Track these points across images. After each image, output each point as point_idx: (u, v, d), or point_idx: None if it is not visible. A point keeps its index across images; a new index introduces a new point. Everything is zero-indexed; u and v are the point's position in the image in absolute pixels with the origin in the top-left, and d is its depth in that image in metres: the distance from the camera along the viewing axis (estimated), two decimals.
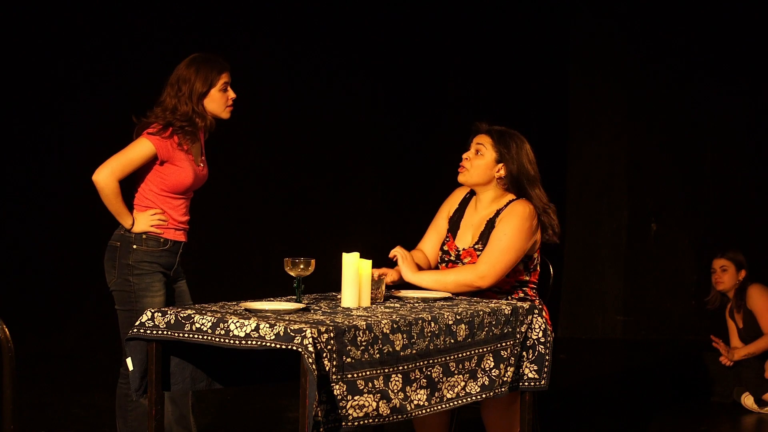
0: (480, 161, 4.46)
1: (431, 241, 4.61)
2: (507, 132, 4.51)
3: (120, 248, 4.47)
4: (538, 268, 4.55)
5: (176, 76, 4.50)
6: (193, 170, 4.55)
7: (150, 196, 4.50)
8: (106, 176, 4.41)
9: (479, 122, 4.58)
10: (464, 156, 4.49)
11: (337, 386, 3.42)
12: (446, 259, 4.51)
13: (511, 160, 4.45)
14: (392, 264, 4.41)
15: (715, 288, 6.73)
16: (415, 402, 3.69)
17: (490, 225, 4.44)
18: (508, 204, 4.47)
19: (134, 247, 4.45)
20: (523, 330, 4.09)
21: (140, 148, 4.43)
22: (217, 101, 4.52)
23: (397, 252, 4.35)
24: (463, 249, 4.47)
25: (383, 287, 4.12)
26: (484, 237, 4.42)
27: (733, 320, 6.71)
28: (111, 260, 4.51)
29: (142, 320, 3.70)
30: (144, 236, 4.46)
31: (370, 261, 3.97)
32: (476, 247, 4.43)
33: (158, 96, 4.50)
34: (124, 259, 4.44)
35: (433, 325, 3.77)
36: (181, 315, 3.63)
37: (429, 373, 3.74)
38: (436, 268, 4.56)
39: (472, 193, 4.59)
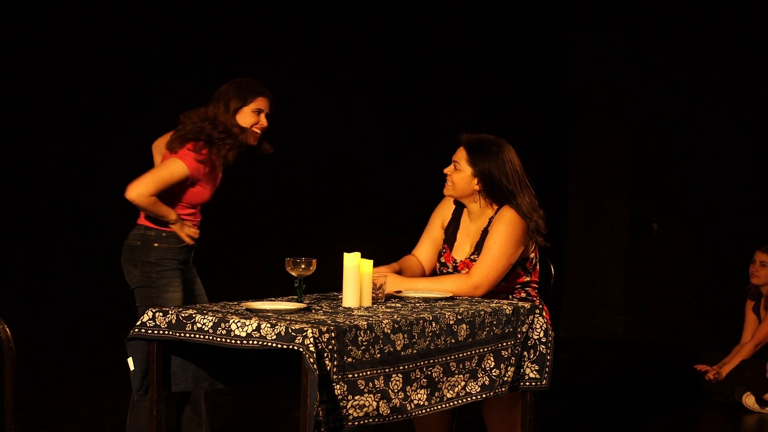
0: (458, 176, 4.46)
1: (426, 249, 4.59)
2: (483, 143, 4.46)
3: (141, 247, 4.57)
4: (538, 267, 4.55)
5: (218, 92, 4.67)
6: (213, 188, 4.70)
7: (168, 201, 4.59)
8: (140, 195, 4.50)
9: (461, 133, 4.54)
10: (445, 171, 4.50)
11: (338, 386, 3.42)
12: (444, 271, 4.52)
13: (482, 176, 4.43)
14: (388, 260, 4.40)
15: (750, 280, 6.74)
16: (415, 402, 3.69)
17: (485, 234, 4.44)
18: (497, 211, 4.46)
19: (155, 245, 4.56)
20: (524, 330, 4.09)
21: (176, 171, 4.54)
22: (247, 119, 4.63)
23: (379, 277, 4.23)
24: (461, 261, 4.48)
25: (384, 287, 4.11)
26: (480, 247, 4.43)
27: (758, 316, 6.73)
28: (131, 259, 4.60)
29: (143, 320, 3.70)
30: (164, 234, 4.58)
31: (372, 261, 3.98)
32: (473, 258, 4.44)
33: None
34: (146, 258, 4.55)
35: (434, 324, 3.78)
36: (183, 315, 3.63)
37: (429, 372, 3.75)
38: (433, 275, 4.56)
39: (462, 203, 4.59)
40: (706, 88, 9.02)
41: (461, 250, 4.51)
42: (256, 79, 4.70)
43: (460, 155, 4.47)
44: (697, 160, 9.14)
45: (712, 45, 8.95)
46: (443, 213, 4.63)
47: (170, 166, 4.55)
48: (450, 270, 4.49)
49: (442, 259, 4.54)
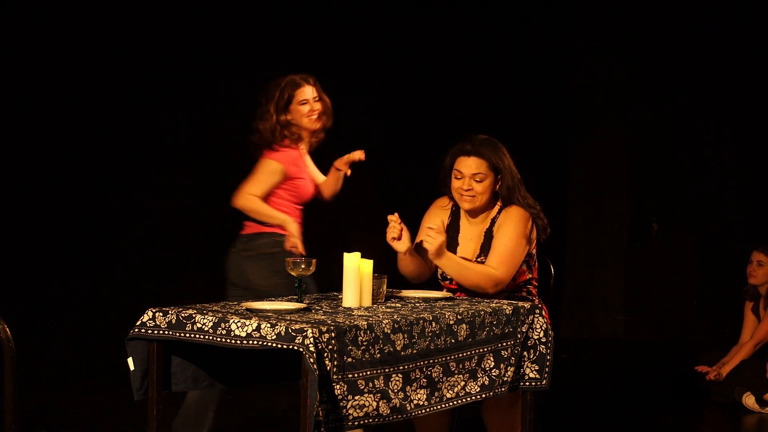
0: (483, 186, 4.39)
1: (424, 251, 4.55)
2: (490, 145, 4.43)
3: (280, 254, 4.74)
4: (536, 263, 4.56)
5: (265, 96, 4.99)
6: (312, 182, 5.03)
7: (283, 206, 4.87)
8: (245, 202, 4.82)
9: (461, 144, 4.46)
10: (464, 186, 4.39)
11: (338, 386, 3.42)
12: (448, 276, 4.47)
13: (506, 174, 4.42)
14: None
15: (748, 280, 6.73)
16: (415, 402, 3.69)
17: (489, 235, 4.43)
18: (500, 211, 4.45)
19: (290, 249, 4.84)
20: (524, 330, 4.09)
21: (271, 168, 4.85)
22: (299, 112, 4.93)
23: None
24: None
25: (384, 287, 4.12)
26: (485, 249, 4.41)
27: (757, 316, 6.72)
28: (270, 266, 4.81)
29: (143, 320, 3.70)
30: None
31: (371, 261, 3.98)
32: (479, 260, 4.42)
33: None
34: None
35: (434, 324, 3.78)
36: (183, 315, 3.64)
37: (429, 372, 3.75)
38: (437, 281, 4.53)
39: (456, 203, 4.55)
40: (706, 88, 9.02)
41: (464, 254, 4.48)
42: (295, 72, 5.02)
43: (479, 165, 4.39)
44: (696, 161, 9.14)
45: (711, 45, 8.95)
46: (440, 215, 4.58)
47: (264, 166, 4.86)
48: (453, 296, 4.44)
49: None
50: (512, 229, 4.37)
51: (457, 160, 4.44)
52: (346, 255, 3.93)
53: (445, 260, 4.31)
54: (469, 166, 4.40)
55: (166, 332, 3.65)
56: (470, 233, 4.50)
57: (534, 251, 4.49)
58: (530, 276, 4.50)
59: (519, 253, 4.36)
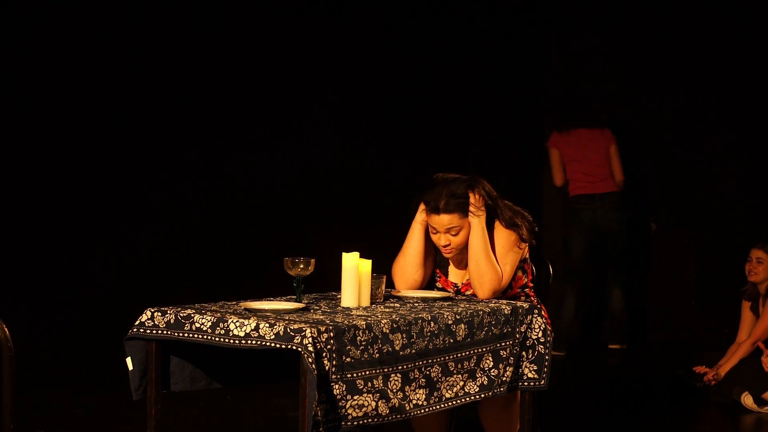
0: (461, 237, 4.34)
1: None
2: (456, 193, 4.32)
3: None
4: (531, 266, 4.56)
5: None
6: None
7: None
8: None
9: (429, 197, 4.35)
10: (442, 243, 4.33)
11: (337, 386, 3.42)
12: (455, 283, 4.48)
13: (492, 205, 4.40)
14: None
15: (748, 278, 6.70)
16: (414, 402, 3.70)
17: None
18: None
19: None
20: (522, 330, 4.10)
21: None
22: None
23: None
24: (462, 284, 4.45)
25: (383, 287, 4.12)
26: None
27: (755, 314, 6.70)
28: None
29: (142, 320, 3.70)
30: None
31: (370, 261, 3.98)
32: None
33: None
34: None
35: (432, 324, 3.78)
36: (181, 314, 3.64)
37: (428, 372, 3.75)
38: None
39: None
40: (704, 86, 9.00)
41: (456, 273, 4.48)
42: None
43: (451, 220, 4.30)
44: (696, 161, 9.13)
45: (711, 43, 8.94)
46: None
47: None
48: (452, 295, 4.45)
49: (439, 285, 4.49)
50: (500, 246, 4.37)
51: (429, 217, 4.37)
52: (344, 255, 3.93)
53: (482, 227, 4.29)
54: (441, 223, 4.33)
55: (165, 332, 3.65)
56: (460, 253, 4.47)
57: (527, 255, 4.49)
58: (526, 280, 4.50)
59: (514, 265, 4.37)
